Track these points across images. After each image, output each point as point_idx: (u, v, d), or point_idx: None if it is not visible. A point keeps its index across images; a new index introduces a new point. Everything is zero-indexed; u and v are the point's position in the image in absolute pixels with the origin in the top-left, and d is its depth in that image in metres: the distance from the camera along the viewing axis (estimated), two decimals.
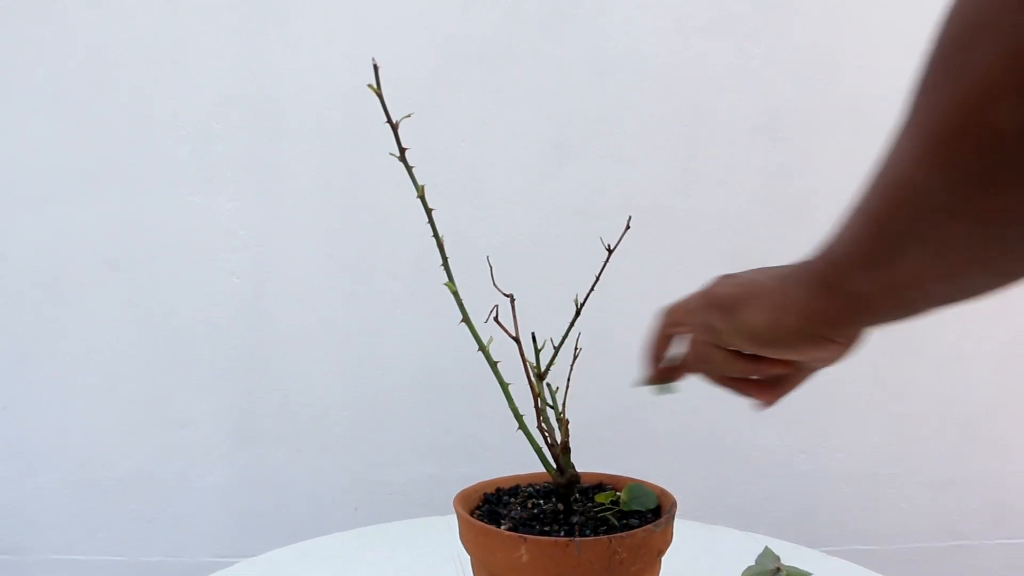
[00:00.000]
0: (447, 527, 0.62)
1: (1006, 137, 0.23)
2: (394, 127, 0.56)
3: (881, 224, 0.30)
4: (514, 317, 0.57)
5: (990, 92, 0.24)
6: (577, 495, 0.61)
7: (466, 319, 0.57)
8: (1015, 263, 0.27)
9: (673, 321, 0.50)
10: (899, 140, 0.30)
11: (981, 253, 0.27)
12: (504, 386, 0.58)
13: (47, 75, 1.17)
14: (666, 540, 0.56)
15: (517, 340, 0.57)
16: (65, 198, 1.18)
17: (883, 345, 1.25)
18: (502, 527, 0.55)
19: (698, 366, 0.47)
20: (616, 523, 0.56)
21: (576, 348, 0.60)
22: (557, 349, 0.59)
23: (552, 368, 0.59)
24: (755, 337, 0.40)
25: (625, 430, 1.22)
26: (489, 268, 0.63)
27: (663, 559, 0.57)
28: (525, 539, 0.51)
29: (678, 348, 0.48)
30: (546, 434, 0.57)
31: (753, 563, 0.67)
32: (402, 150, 0.57)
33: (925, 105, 0.27)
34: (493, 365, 0.57)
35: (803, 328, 0.38)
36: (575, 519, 0.57)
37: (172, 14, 1.17)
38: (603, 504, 0.60)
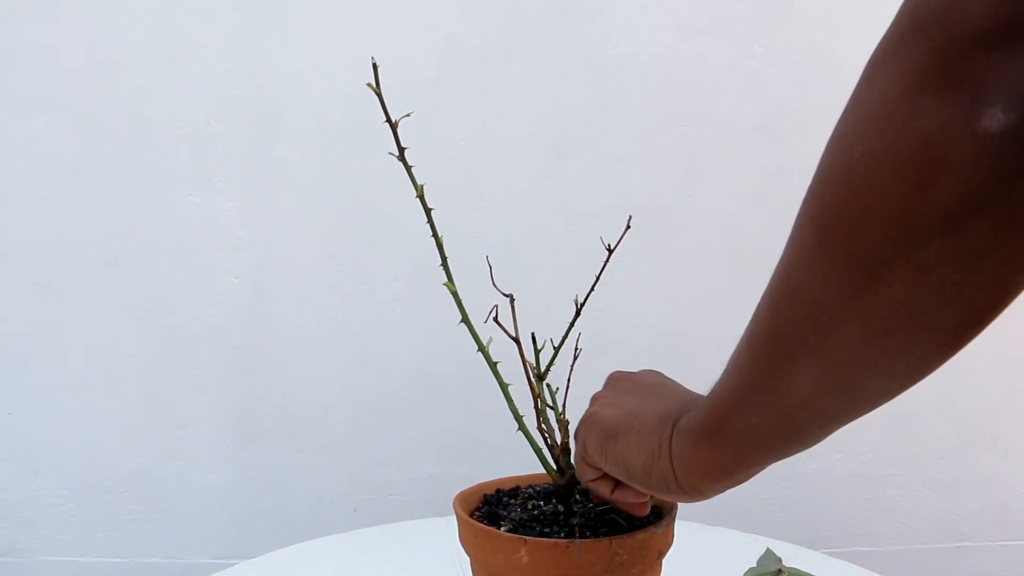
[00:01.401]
0: (447, 528, 0.62)
1: (891, 216, 0.24)
2: (393, 126, 0.56)
3: (769, 342, 0.30)
4: (514, 317, 0.57)
5: (872, 178, 0.24)
6: (577, 496, 0.60)
7: (465, 319, 0.57)
8: (903, 362, 0.27)
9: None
10: (785, 254, 0.30)
11: (870, 356, 0.27)
12: (504, 387, 0.57)
13: (47, 75, 1.17)
14: (667, 541, 0.56)
15: (517, 340, 0.57)
16: (65, 198, 1.18)
17: None
18: (502, 528, 0.55)
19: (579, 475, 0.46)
20: (624, 523, 0.56)
21: (576, 348, 0.60)
22: (557, 350, 0.59)
23: (552, 369, 0.59)
24: (621, 469, 0.39)
25: None
26: (489, 268, 0.63)
27: (664, 560, 0.57)
28: (525, 540, 0.51)
29: None
30: (546, 435, 0.57)
31: (754, 564, 0.67)
32: (401, 149, 0.57)
33: (810, 208, 0.28)
34: (493, 366, 0.57)
35: (677, 478, 0.36)
36: (575, 520, 0.57)
37: (172, 14, 1.17)
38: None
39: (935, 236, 0.23)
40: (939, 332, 0.26)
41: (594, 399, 0.45)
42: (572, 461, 0.48)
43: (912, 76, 0.23)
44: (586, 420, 0.43)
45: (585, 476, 0.45)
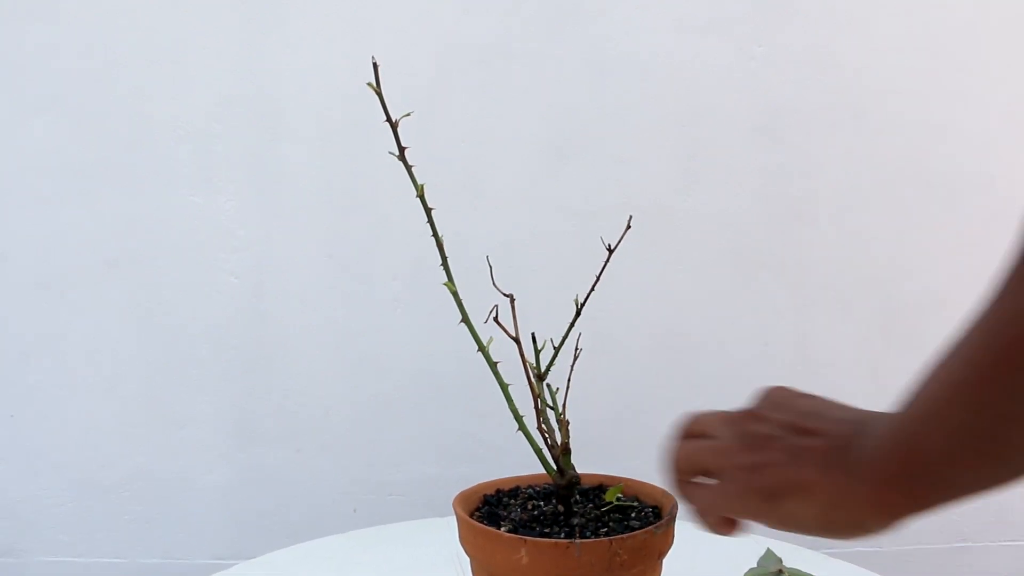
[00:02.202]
0: (447, 528, 0.62)
1: None
2: (393, 126, 0.56)
3: (991, 392, 0.28)
4: (514, 317, 0.57)
5: None
6: (577, 496, 0.60)
7: (466, 319, 0.57)
8: None
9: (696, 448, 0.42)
10: (1009, 293, 0.28)
11: None
12: (504, 387, 0.57)
13: (47, 75, 1.17)
14: (667, 542, 0.56)
15: (517, 340, 0.57)
16: (65, 198, 1.18)
17: (883, 346, 1.24)
18: (502, 529, 0.55)
19: (694, 514, 0.41)
20: (631, 522, 0.56)
21: (576, 349, 0.59)
22: (557, 350, 0.59)
23: (552, 369, 0.59)
24: (796, 527, 0.35)
25: (626, 431, 1.22)
26: (489, 268, 0.63)
27: (664, 561, 0.57)
28: (525, 541, 0.51)
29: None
30: (546, 435, 0.57)
31: (755, 565, 0.67)
32: (401, 149, 0.56)
33: None
34: (493, 366, 0.57)
35: (860, 522, 0.33)
36: (575, 521, 0.56)
37: (172, 14, 1.17)
38: (610, 502, 0.60)
39: None
40: None
41: (743, 458, 0.38)
42: (683, 498, 0.42)
43: None
44: (742, 484, 0.37)
45: (710, 528, 0.40)
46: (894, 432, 0.32)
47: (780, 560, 0.67)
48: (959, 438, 0.29)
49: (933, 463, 0.30)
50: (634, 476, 0.65)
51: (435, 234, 0.57)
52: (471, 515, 0.58)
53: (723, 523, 0.40)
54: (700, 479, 0.40)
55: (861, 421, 0.35)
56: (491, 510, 0.60)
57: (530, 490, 0.63)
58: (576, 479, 0.59)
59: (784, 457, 0.36)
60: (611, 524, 0.56)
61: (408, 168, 0.57)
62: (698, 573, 0.73)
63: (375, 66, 0.55)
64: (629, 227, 0.61)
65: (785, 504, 0.35)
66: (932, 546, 1.27)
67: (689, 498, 0.40)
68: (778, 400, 0.39)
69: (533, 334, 0.58)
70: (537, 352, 0.58)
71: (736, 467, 0.37)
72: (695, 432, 0.42)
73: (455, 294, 0.57)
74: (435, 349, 1.19)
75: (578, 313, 0.59)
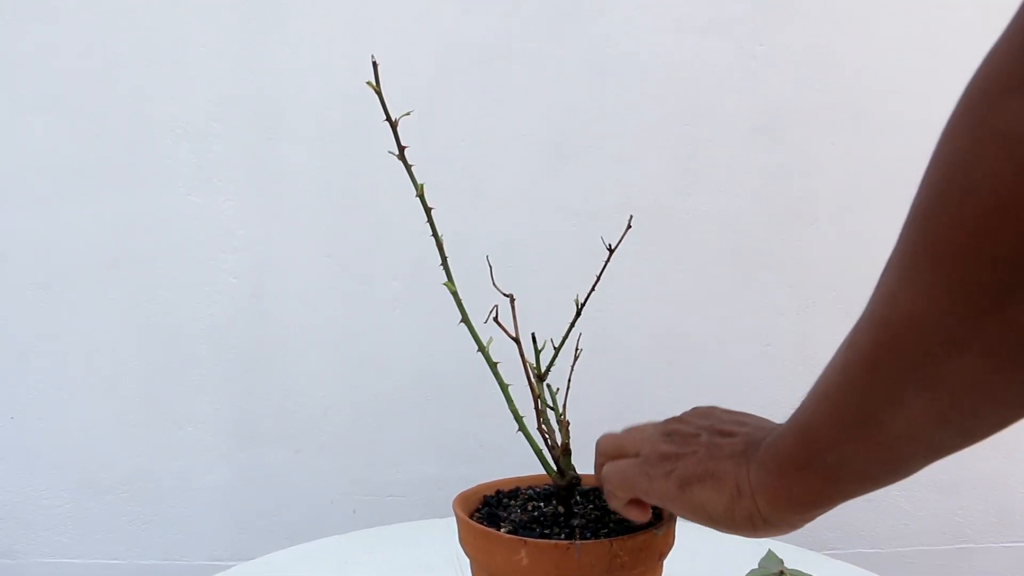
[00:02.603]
0: (446, 529, 0.62)
1: None
2: (393, 125, 0.55)
3: (871, 375, 0.28)
4: (514, 317, 0.57)
5: (1007, 201, 0.23)
6: (578, 497, 0.60)
7: (465, 319, 0.57)
8: None
9: (616, 452, 0.45)
10: (888, 280, 0.28)
11: (992, 386, 0.25)
12: (504, 387, 0.57)
13: (46, 74, 1.17)
14: (668, 543, 0.55)
15: (517, 341, 0.57)
16: (64, 198, 1.18)
17: None
18: (502, 530, 0.54)
19: (607, 485, 0.44)
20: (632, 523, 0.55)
21: (577, 349, 0.59)
22: (557, 350, 0.59)
23: (552, 369, 0.59)
24: (702, 516, 0.38)
25: None
26: (489, 268, 0.63)
27: (665, 562, 0.57)
28: (525, 542, 0.51)
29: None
30: (546, 436, 0.56)
31: (756, 566, 0.67)
32: (401, 148, 0.56)
33: (922, 233, 0.27)
34: (493, 366, 0.57)
35: (763, 514, 0.35)
36: (576, 522, 0.56)
37: (172, 14, 1.17)
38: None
39: None
40: None
41: (659, 437, 0.42)
42: (603, 484, 0.45)
43: None
44: (657, 456, 0.41)
45: (619, 504, 0.44)
46: (791, 419, 0.33)
47: (781, 561, 0.67)
48: (843, 421, 0.30)
49: (823, 448, 0.31)
50: None
51: (435, 234, 0.56)
52: (471, 516, 0.58)
53: (633, 504, 0.43)
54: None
55: (775, 425, 0.37)
56: (491, 511, 0.59)
57: (530, 491, 0.63)
58: (576, 480, 0.58)
59: (702, 451, 0.39)
60: (611, 525, 0.56)
61: (408, 168, 0.57)
62: (699, 574, 0.73)
63: (375, 65, 0.55)
64: (630, 227, 0.61)
65: (696, 492, 0.37)
66: (933, 547, 1.27)
67: (606, 475, 0.43)
68: (704, 411, 0.44)
69: (533, 334, 0.58)
70: (537, 352, 0.58)
71: (657, 453, 0.40)
72: (621, 452, 0.45)
73: (455, 294, 0.57)
74: (435, 349, 1.19)
75: (578, 313, 0.59)
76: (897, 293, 0.28)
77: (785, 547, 0.79)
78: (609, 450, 0.45)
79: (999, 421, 0.27)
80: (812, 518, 0.34)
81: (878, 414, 0.28)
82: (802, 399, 0.33)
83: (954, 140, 0.26)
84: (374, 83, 0.54)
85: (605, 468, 0.45)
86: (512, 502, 0.61)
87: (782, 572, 0.65)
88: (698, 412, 0.44)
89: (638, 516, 0.44)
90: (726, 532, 0.38)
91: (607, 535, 0.54)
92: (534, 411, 0.56)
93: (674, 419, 0.44)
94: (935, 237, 0.26)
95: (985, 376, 0.25)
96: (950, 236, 0.25)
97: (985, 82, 0.25)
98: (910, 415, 0.28)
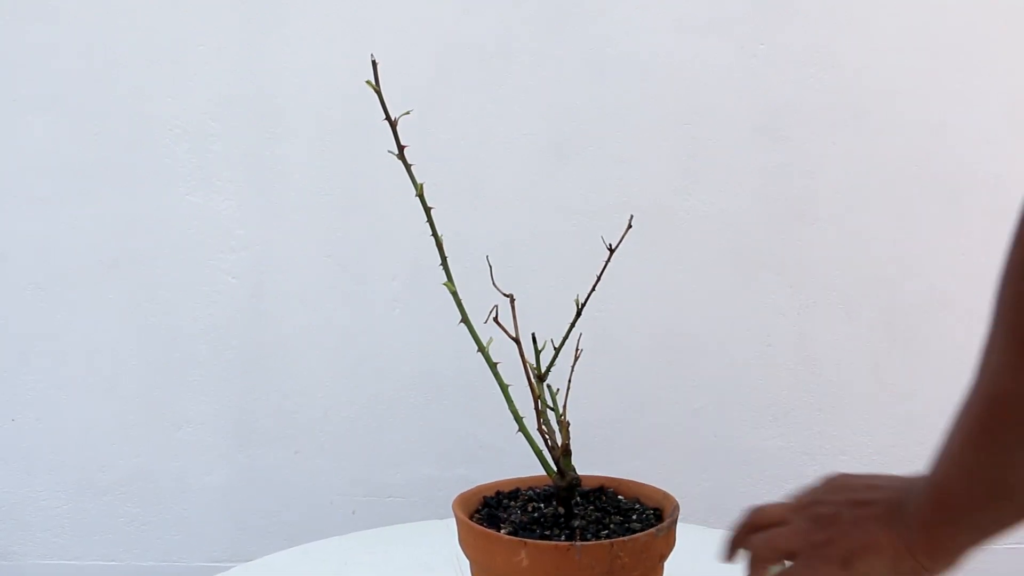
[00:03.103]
0: (446, 530, 0.61)
1: None
2: (392, 124, 0.55)
3: (987, 441, 0.34)
4: (514, 318, 0.57)
5: None
6: (578, 498, 0.60)
7: (465, 319, 0.56)
8: None
9: (769, 523, 0.47)
10: (991, 360, 0.34)
11: None
12: (504, 387, 0.57)
13: (45, 74, 1.17)
14: (668, 544, 0.55)
15: (517, 341, 0.56)
16: (63, 197, 1.18)
17: (886, 346, 1.24)
18: (502, 531, 0.54)
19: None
20: (632, 524, 0.55)
21: (577, 349, 0.59)
22: (558, 350, 0.58)
23: (553, 369, 0.58)
24: None
25: (627, 432, 1.22)
26: (489, 268, 0.63)
27: (666, 563, 0.56)
28: (525, 543, 0.50)
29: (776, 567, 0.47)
30: (546, 436, 0.56)
31: None
32: (400, 147, 0.56)
33: (1012, 315, 0.32)
34: (493, 366, 0.57)
35: (926, 567, 0.39)
36: (576, 523, 0.56)
37: (172, 14, 1.17)
38: (611, 503, 0.59)
39: None
40: None
41: (795, 531, 0.45)
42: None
43: None
44: (817, 549, 0.43)
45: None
46: (929, 484, 0.38)
47: (783, 563, 0.67)
48: (972, 483, 0.35)
49: (961, 506, 0.36)
50: (635, 478, 0.64)
51: (434, 234, 0.56)
52: (471, 517, 0.57)
53: None
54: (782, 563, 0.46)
55: (907, 484, 0.41)
56: (491, 512, 0.59)
57: (530, 492, 0.63)
58: (577, 481, 0.58)
59: (850, 528, 0.42)
60: (612, 526, 0.56)
61: (407, 167, 0.57)
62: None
63: (374, 64, 0.55)
64: (630, 227, 0.61)
65: (859, 566, 0.41)
66: None
67: None
68: (836, 485, 0.46)
69: (533, 334, 0.58)
70: (537, 353, 0.58)
71: (812, 544, 0.43)
72: (764, 523, 0.47)
73: (455, 294, 0.56)
74: (435, 349, 1.19)
75: (578, 313, 0.59)
76: (999, 373, 0.33)
77: None
78: (764, 553, 0.47)
79: None
80: (973, 553, 0.39)
81: (1000, 475, 0.34)
82: (930, 465, 0.38)
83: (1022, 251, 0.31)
84: (373, 83, 0.54)
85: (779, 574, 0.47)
86: (512, 503, 0.61)
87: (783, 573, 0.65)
88: (831, 487, 0.46)
89: None
90: None
91: (607, 536, 0.53)
92: (534, 412, 0.56)
93: (811, 501, 0.46)
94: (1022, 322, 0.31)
95: None
96: None
97: None
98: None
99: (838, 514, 0.43)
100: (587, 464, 0.62)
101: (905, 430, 1.24)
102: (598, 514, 0.58)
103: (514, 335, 0.56)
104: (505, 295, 0.56)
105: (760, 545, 0.46)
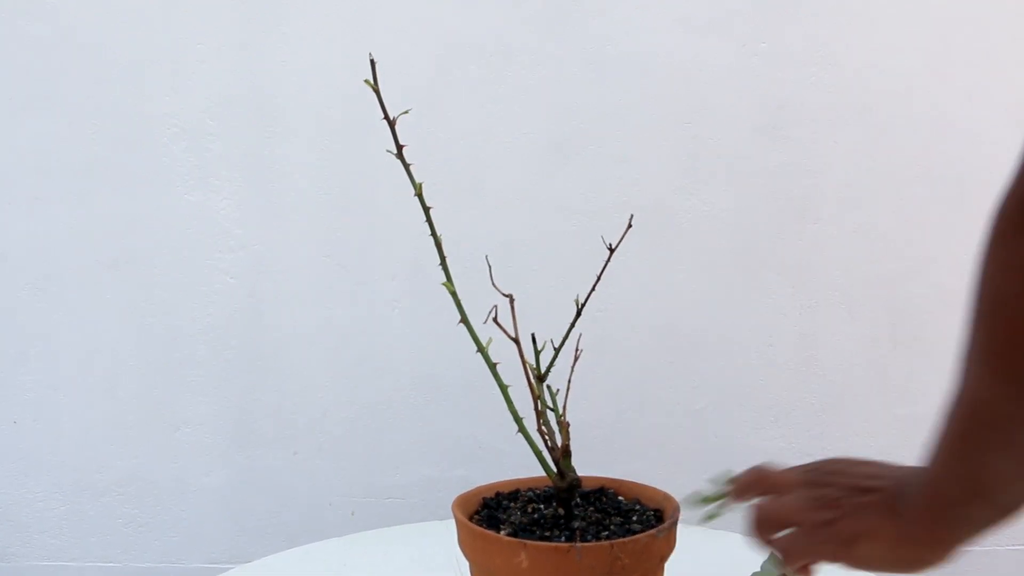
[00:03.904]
0: (446, 532, 0.61)
1: None
2: (391, 123, 0.55)
3: (960, 445, 0.36)
4: (513, 318, 0.57)
5: None
6: (578, 499, 0.59)
7: (465, 320, 0.56)
8: None
9: (773, 491, 0.49)
10: (968, 368, 0.36)
11: None
12: (503, 388, 0.57)
13: (43, 73, 1.16)
14: (669, 545, 0.55)
15: (517, 341, 0.56)
16: (61, 197, 1.17)
17: (889, 346, 1.24)
18: (502, 532, 0.54)
19: (786, 557, 0.49)
20: (633, 525, 0.55)
21: (577, 349, 0.59)
22: (557, 350, 0.58)
23: (552, 370, 0.58)
24: (869, 566, 0.43)
25: (627, 433, 1.21)
26: (488, 268, 0.62)
27: (666, 565, 0.56)
28: (525, 545, 0.50)
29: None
30: (546, 437, 0.56)
31: (758, 569, 0.66)
32: (399, 147, 0.56)
33: (983, 330, 0.35)
34: (492, 367, 0.56)
35: (924, 556, 0.41)
36: (576, 524, 0.56)
37: (170, 13, 1.17)
38: (610, 503, 0.59)
39: None
40: None
41: (799, 508, 0.47)
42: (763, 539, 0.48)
43: None
44: (820, 530, 0.45)
45: (796, 567, 0.48)
46: (922, 479, 0.40)
47: (783, 563, 0.67)
48: (958, 483, 0.37)
49: (949, 504, 0.38)
50: (635, 478, 0.64)
51: (434, 234, 0.56)
52: (470, 518, 0.57)
53: (804, 568, 0.48)
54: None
55: (906, 475, 0.44)
56: (491, 513, 0.59)
57: (530, 493, 0.62)
58: (577, 482, 0.58)
59: (852, 512, 0.44)
60: (612, 527, 0.56)
61: (406, 167, 0.56)
62: None
63: (373, 64, 0.54)
64: (630, 226, 0.60)
65: (858, 549, 0.43)
66: None
67: (776, 547, 0.48)
68: (838, 467, 0.49)
69: (533, 335, 0.58)
70: (537, 353, 0.58)
71: (815, 523, 0.45)
72: (767, 487, 0.49)
73: (454, 294, 0.56)
74: (434, 350, 1.19)
75: (578, 313, 0.59)
76: (978, 381, 0.35)
77: None
78: (770, 523, 0.49)
79: None
80: (972, 543, 0.40)
81: (979, 476, 0.36)
82: (924, 460, 0.40)
83: (993, 264, 0.33)
84: (372, 82, 0.54)
85: (778, 539, 0.48)
86: (512, 504, 0.60)
87: (784, 575, 0.65)
88: (834, 470, 0.48)
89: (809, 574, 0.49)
90: (895, 573, 0.44)
91: (608, 537, 0.53)
92: (534, 412, 0.56)
93: (814, 480, 0.48)
94: (993, 336, 0.34)
95: None
96: (1009, 342, 0.33)
97: (1003, 221, 0.34)
98: (996, 474, 0.35)
99: (841, 498, 0.45)
100: (587, 465, 0.61)
101: (908, 431, 1.24)
102: (598, 515, 0.57)
103: (514, 335, 0.56)
104: (505, 295, 0.56)
105: (765, 514, 0.48)
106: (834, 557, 0.45)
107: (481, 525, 0.55)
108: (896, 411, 1.24)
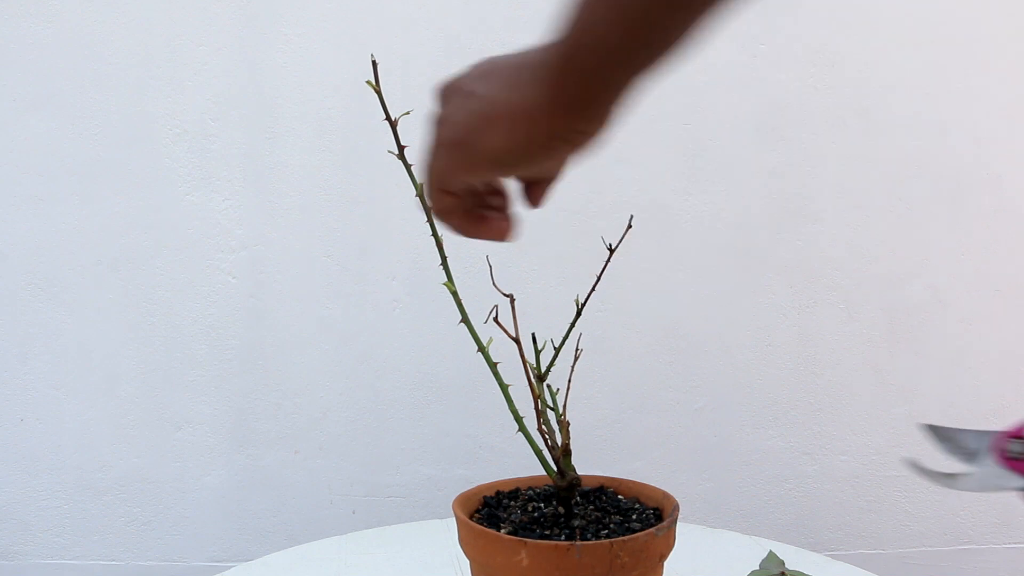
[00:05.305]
0: (446, 530, 0.61)
1: None
2: (393, 124, 0.55)
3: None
4: (514, 317, 0.57)
5: None
6: (578, 498, 0.60)
7: (465, 319, 0.56)
8: None
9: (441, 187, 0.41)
10: None
11: None
12: (504, 387, 0.57)
13: (43, 73, 1.16)
14: (668, 544, 0.55)
15: (517, 341, 0.56)
16: (60, 197, 1.18)
17: (887, 346, 1.24)
18: (502, 531, 0.54)
19: (443, 218, 0.41)
20: (632, 524, 0.55)
21: (577, 349, 0.59)
22: (558, 350, 0.58)
23: (553, 369, 0.58)
24: (495, 165, 0.36)
25: (627, 432, 1.21)
26: (489, 268, 0.63)
27: (665, 563, 0.56)
28: (525, 543, 0.50)
29: None
30: (546, 436, 0.56)
31: (757, 567, 0.67)
32: (401, 147, 0.56)
33: None
34: (493, 366, 0.57)
35: (553, 131, 0.34)
36: (576, 523, 0.56)
37: (170, 12, 1.17)
38: (611, 504, 0.59)
39: None
40: None
41: (431, 133, 0.40)
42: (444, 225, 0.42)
43: None
44: (436, 150, 0.39)
45: (444, 207, 0.40)
46: (560, 40, 0.33)
47: (783, 563, 0.67)
48: (616, 23, 0.30)
49: (573, 27, 0.31)
50: (635, 477, 0.64)
51: (434, 234, 0.56)
52: (471, 517, 0.57)
53: (465, 220, 0.40)
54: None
55: (536, 51, 0.35)
56: (491, 512, 0.59)
57: (530, 492, 0.62)
58: (577, 481, 0.58)
59: (473, 105, 0.37)
60: (612, 526, 0.56)
61: (407, 167, 0.57)
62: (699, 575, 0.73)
63: (374, 64, 0.55)
64: (630, 226, 0.61)
65: (481, 143, 0.36)
66: (935, 548, 1.26)
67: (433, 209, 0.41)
68: (448, 90, 0.41)
69: (533, 334, 0.58)
70: (537, 352, 0.58)
71: (433, 124, 0.39)
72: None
73: (455, 294, 0.56)
74: (434, 350, 1.19)
75: (578, 313, 0.59)
76: None
77: (786, 548, 0.79)
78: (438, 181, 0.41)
79: None
80: (607, 117, 0.34)
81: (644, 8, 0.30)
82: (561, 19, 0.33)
83: None
84: (374, 82, 0.54)
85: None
86: (512, 503, 0.60)
87: (783, 573, 0.65)
88: (467, 72, 0.40)
89: (465, 227, 0.41)
90: (529, 171, 0.38)
91: (607, 536, 0.53)
92: (534, 412, 0.56)
93: (442, 90, 0.41)
94: None
95: None
96: None
97: None
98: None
99: (468, 91, 0.38)
100: (587, 464, 0.62)
101: (906, 430, 1.24)
102: (598, 514, 0.58)
103: (514, 335, 0.56)
104: (505, 295, 0.56)
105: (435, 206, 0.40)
106: (455, 164, 0.37)
107: (481, 524, 0.55)
108: (894, 410, 1.24)
